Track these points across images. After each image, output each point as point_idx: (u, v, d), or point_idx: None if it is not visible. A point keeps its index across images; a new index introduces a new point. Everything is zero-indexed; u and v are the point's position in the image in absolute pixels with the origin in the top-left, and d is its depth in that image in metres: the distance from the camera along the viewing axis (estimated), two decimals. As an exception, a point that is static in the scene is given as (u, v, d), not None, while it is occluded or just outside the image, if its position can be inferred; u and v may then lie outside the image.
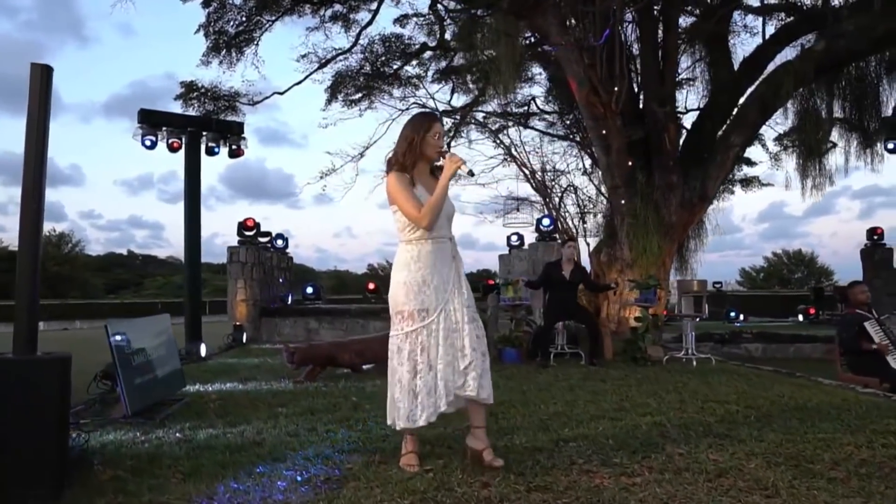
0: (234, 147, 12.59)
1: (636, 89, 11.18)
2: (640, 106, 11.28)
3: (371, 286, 12.50)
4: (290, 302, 12.10)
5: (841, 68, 9.86)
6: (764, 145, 15.05)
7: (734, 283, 42.86)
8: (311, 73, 15.71)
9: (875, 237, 12.97)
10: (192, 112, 13.47)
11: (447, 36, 15.65)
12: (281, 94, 15.60)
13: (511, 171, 16.04)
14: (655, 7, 10.79)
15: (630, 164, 10.13)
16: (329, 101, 17.00)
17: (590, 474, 2.92)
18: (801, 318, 15.56)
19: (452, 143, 18.47)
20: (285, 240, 13.03)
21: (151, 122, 9.44)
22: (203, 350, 7.35)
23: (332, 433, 3.75)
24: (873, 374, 5.58)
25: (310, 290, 12.58)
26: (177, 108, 13.35)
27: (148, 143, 9.31)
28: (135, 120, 9.31)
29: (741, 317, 16.00)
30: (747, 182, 16.94)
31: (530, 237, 12.07)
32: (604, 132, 10.61)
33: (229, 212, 74.31)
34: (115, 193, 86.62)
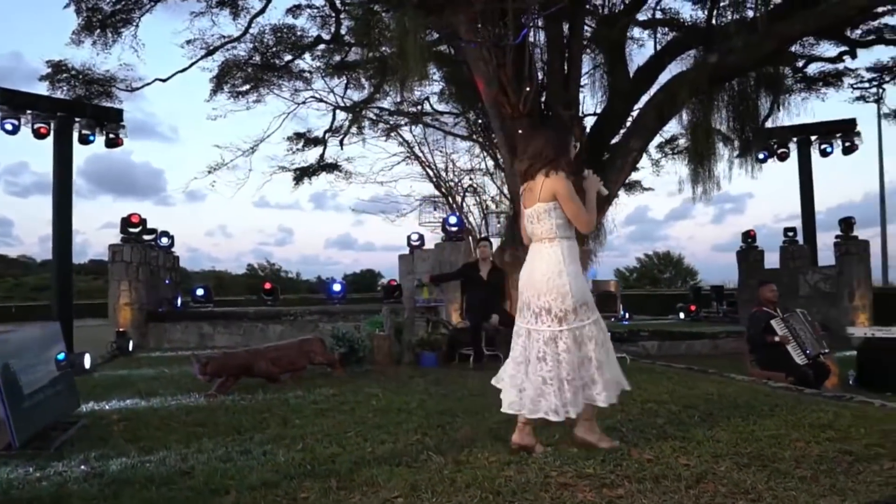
0: (111, 136, 11.49)
1: (542, 92, 11.33)
2: (546, 109, 11.46)
3: (267, 286, 11.81)
4: (179, 305, 11.17)
5: (730, 80, 10.51)
6: (647, 152, 15.89)
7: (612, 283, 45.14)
8: (196, 61, 14.65)
9: (749, 240, 14.00)
10: (60, 95, 12.13)
11: (343, 30, 15.20)
12: (163, 81, 14.45)
13: (411, 170, 15.90)
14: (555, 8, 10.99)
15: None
16: (214, 92, 16.03)
17: (569, 488, 2.77)
18: (682, 315, 16.55)
19: (346, 141, 18.09)
20: (171, 238, 12.05)
21: (14, 103, 8.35)
22: (88, 361, 6.50)
23: (270, 455, 3.35)
24: (780, 368, 5.91)
25: (200, 291, 11.70)
26: (42, 90, 11.95)
27: (9, 127, 8.23)
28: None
29: (627, 315, 16.80)
30: (630, 186, 17.84)
31: (431, 237, 11.95)
32: (511, 133, 10.67)
33: (90, 208, 68.30)
34: (-51, 187, 77.06)
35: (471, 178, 13.99)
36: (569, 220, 3.31)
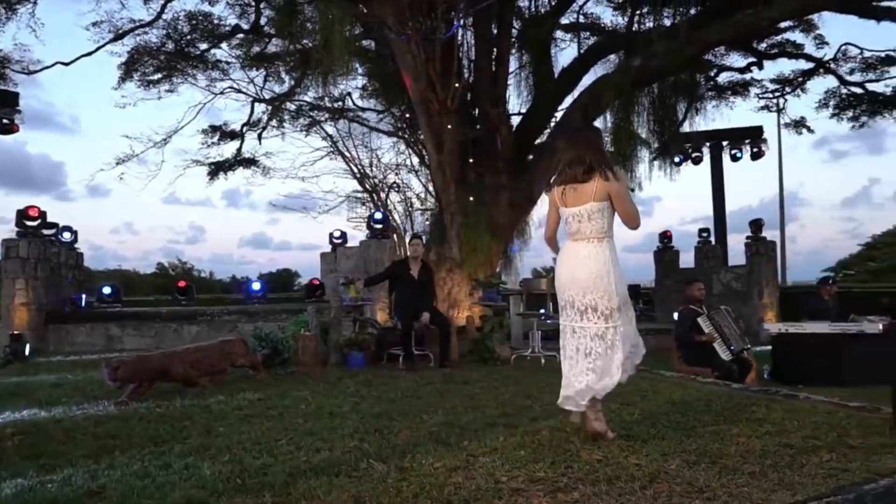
0: (5, 121, 10.59)
1: (469, 89, 11.26)
2: (472, 106, 11.40)
3: (182, 284, 11.14)
4: (83, 305, 10.33)
5: (652, 84, 10.82)
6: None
7: (531, 282, 45.92)
8: (103, 45, 13.74)
9: (665, 240, 14.48)
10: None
11: (263, 20, 14.63)
12: (66, 64, 13.44)
13: (335, 165, 15.48)
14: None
15: (471, 162, 10.16)
16: (123, 80, 15.12)
17: (522, 494, 2.63)
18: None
19: (264, 135, 17.45)
20: (74, 233, 11.15)
21: None
22: (-25, 368, 5.85)
23: (194, 469, 3.03)
24: (706, 364, 6.05)
25: (107, 290, 10.87)
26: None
27: None
28: None
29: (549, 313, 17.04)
30: (550, 187, 18.12)
31: (353, 234, 11.67)
32: (438, 129, 10.55)
33: (-28, 202, 62.98)
34: None
35: (396, 174, 13.76)
36: (613, 219, 3.45)
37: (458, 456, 3.17)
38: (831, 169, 66.50)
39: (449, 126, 9.97)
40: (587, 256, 3.41)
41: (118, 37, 13.78)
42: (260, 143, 17.16)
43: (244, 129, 16.99)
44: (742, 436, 3.47)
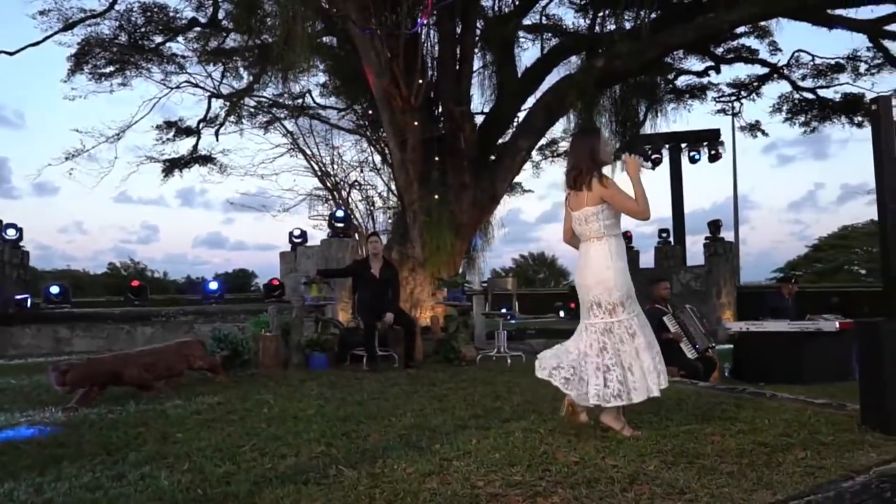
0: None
1: (433, 87, 11.15)
2: (435, 104, 11.29)
3: (135, 283, 10.72)
4: (28, 306, 9.83)
5: (615, 85, 10.89)
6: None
7: (490, 283, 46.11)
8: (51, 35, 13.18)
9: (626, 240, 14.60)
10: None
11: (221, 14, 14.27)
12: (10, 54, 12.83)
13: (295, 163, 15.19)
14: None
15: (436, 160, 10.06)
16: (73, 72, 14.56)
17: (501, 499, 2.54)
18: (562, 313, 17.04)
19: (222, 132, 17.02)
20: (18, 230, 10.62)
21: None
22: None
23: (151, 480, 2.84)
24: (671, 363, 6.03)
25: (55, 289, 10.38)
26: None
27: None
28: None
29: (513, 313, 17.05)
30: (511, 188, 18.16)
31: (313, 233, 11.45)
32: (401, 127, 10.40)
33: None
34: None
35: (359, 172, 13.55)
36: (616, 218, 3.56)
37: (431, 460, 3.05)
38: (779, 173, 68.67)
39: (416, 122, 9.83)
40: (590, 256, 3.59)
41: (68, 27, 13.24)
42: (217, 140, 16.75)
43: (201, 126, 16.56)
44: (716, 434, 3.45)
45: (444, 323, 7.58)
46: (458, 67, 10.88)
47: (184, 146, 16.65)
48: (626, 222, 3.85)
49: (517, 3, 12.27)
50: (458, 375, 5.97)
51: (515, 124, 12.09)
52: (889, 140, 3.57)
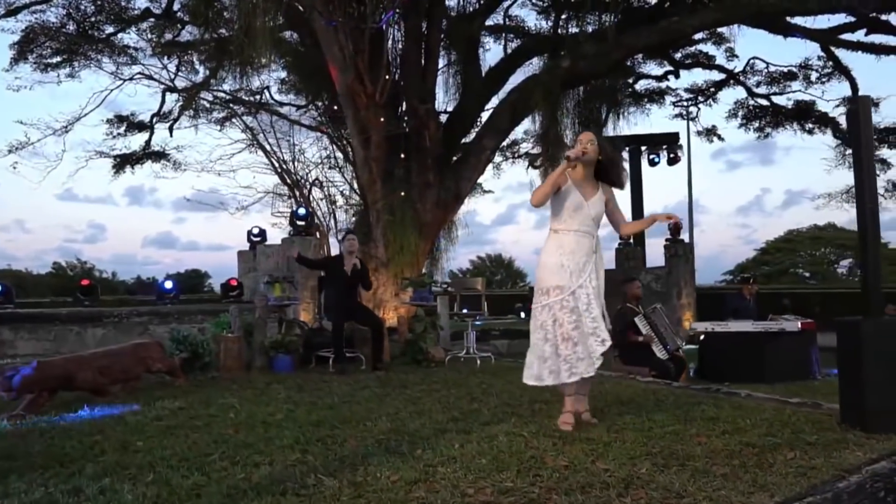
0: None
1: (397, 84, 10.99)
2: (399, 101, 11.12)
3: (85, 283, 10.22)
4: (-34, 307, 9.23)
5: (579, 86, 10.92)
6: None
7: (447, 284, 46.06)
8: (-9, 21, 12.53)
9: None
10: None
11: (176, 5, 13.81)
12: (-53, 40, 12.14)
13: (254, 159, 14.80)
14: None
15: (401, 158, 9.90)
16: (16, 61, 13.92)
17: (495, 507, 2.41)
18: (522, 314, 17.05)
19: (176, 127, 16.47)
20: (-44, 228, 10.01)
21: None
22: None
23: (112, 493, 2.62)
24: (642, 363, 6.06)
25: (-4, 290, 9.77)
26: None
27: None
28: None
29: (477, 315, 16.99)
30: (473, 187, 18.11)
31: (273, 232, 11.14)
32: (365, 124, 10.21)
33: None
34: None
35: (321, 169, 13.24)
36: (555, 214, 3.74)
37: (415, 467, 2.90)
38: (727, 178, 70.74)
39: (382, 119, 9.64)
40: None
41: (10, 12, 12.63)
42: (171, 136, 16.22)
43: (154, 121, 16.00)
44: (702, 435, 3.39)
45: (411, 323, 7.42)
46: (423, 65, 10.75)
47: (136, 141, 16.07)
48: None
49: (482, 2, 12.22)
50: (430, 377, 5.82)
51: (479, 124, 12.06)
52: (868, 140, 3.59)
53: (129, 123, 16.18)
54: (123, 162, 16.27)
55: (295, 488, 2.62)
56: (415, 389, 5.15)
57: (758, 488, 2.58)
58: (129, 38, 14.36)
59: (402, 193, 9.95)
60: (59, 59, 14.30)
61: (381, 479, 2.72)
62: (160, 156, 16.73)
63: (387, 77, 9.57)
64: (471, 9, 11.88)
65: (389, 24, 10.33)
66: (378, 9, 9.19)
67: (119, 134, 16.10)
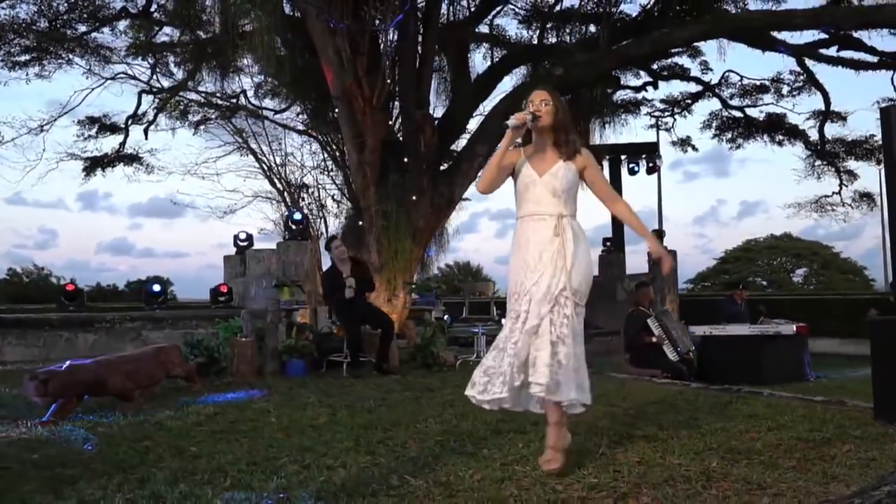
0: None
1: (393, 88, 10.99)
2: (394, 105, 11.12)
3: (70, 288, 9.92)
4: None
5: (569, 94, 11.08)
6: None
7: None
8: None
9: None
10: None
11: (154, 6, 13.55)
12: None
13: (243, 162, 14.57)
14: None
15: (396, 163, 9.90)
16: (-20, 57, 13.44)
17: (592, 502, 2.46)
18: (503, 321, 17.16)
19: (151, 129, 16.12)
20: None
21: None
22: None
23: (196, 499, 2.57)
24: (654, 365, 6.19)
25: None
26: None
27: None
28: None
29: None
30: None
31: (259, 237, 11.00)
32: (360, 127, 10.19)
33: None
34: None
35: (312, 174, 13.12)
36: (519, 200, 3.04)
37: (492, 466, 2.94)
38: (685, 189, 72.45)
39: (377, 123, 9.64)
40: None
41: (-23, 7, 12.21)
42: (146, 139, 15.86)
43: (129, 123, 15.63)
44: (751, 432, 3.51)
45: (412, 328, 7.41)
46: (418, 69, 10.78)
47: (108, 144, 15.67)
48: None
49: (472, 10, 12.34)
50: (450, 381, 5.83)
51: (469, 130, 12.15)
52: (898, 148, 3.76)
53: (102, 125, 15.77)
54: (94, 165, 15.84)
55: (384, 489, 2.62)
56: (442, 393, 5.15)
57: (830, 479, 2.68)
58: (103, 37, 14.00)
59: (397, 198, 9.93)
60: (27, 57, 13.88)
61: (466, 479, 2.74)
62: (133, 159, 16.35)
63: (388, 81, 9.56)
64: (461, 16, 11.97)
65: (383, 27, 10.35)
66: (379, 11, 9.20)
67: (90, 136, 15.68)
